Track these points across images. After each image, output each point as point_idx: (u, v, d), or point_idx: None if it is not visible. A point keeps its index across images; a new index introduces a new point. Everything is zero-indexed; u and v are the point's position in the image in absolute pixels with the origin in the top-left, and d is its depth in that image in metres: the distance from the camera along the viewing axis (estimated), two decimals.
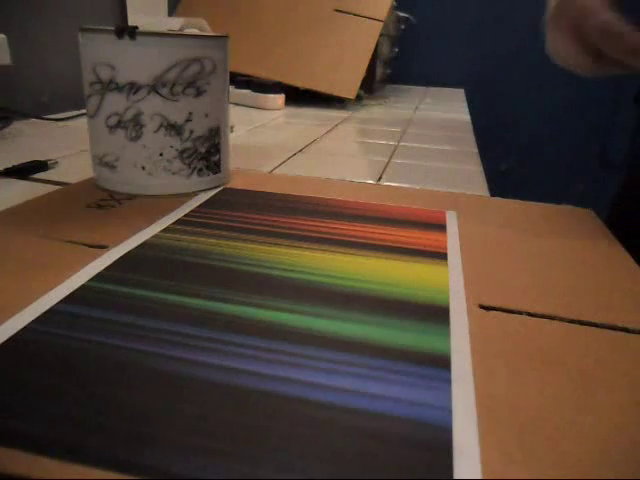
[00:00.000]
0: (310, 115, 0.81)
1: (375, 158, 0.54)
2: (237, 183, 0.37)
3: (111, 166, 0.32)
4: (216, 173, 0.35)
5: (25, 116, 0.61)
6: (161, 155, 0.32)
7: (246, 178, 0.38)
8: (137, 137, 0.31)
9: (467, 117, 0.90)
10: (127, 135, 0.31)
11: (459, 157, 0.58)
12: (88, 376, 0.16)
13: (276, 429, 0.14)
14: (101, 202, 0.31)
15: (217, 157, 0.34)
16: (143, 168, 0.32)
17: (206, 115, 0.32)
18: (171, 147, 0.32)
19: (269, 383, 0.16)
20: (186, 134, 0.32)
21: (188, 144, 0.32)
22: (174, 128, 0.31)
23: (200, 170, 0.33)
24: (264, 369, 0.16)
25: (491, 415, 0.15)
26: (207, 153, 0.33)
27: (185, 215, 0.30)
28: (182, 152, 0.32)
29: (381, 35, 0.92)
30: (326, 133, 0.65)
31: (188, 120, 0.32)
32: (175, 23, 0.82)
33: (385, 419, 0.15)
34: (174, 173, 0.32)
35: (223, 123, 0.34)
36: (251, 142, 0.59)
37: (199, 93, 0.32)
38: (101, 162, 0.33)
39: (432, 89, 1.38)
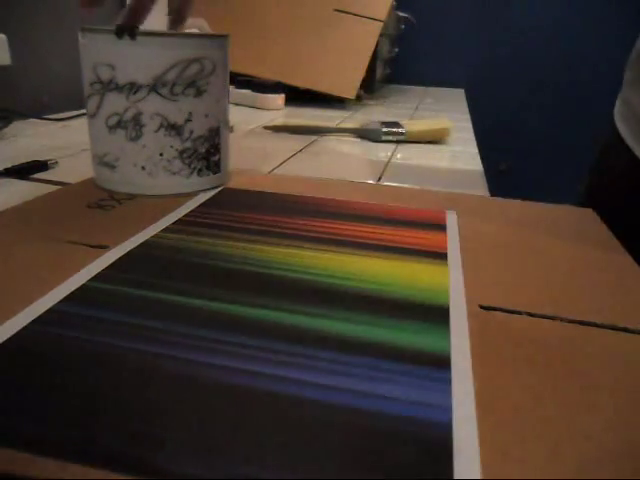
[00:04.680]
0: (310, 115, 0.81)
1: (375, 158, 0.54)
2: (237, 183, 0.37)
3: (111, 166, 0.32)
4: (216, 173, 0.35)
5: (25, 116, 0.61)
6: (161, 155, 0.32)
7: (246, 178, 0.38)
8: (137, 137, 0.31)
9: (467, 117, 0.90)
10: (127, 135, 0.31)
11: (459, 157, 0.58)
12: (88, 376, 0.16)
13: (276, 429, 0.14)
14: (101, 202, 0.31)
15: (217, 157, 0.34)
16: (143, 168, 0.32)
17: (206, 115, 0.32)
18: (171, 147, 0.32)
19: (269, 383, 0.16)
20: (186, 134, 0.32)
21: (188, 144, 0.32)
22: (174, 128, 0.31)
23: (200, 170, 0.33)
24: (264, 369, 0.16)
25: (491, 415, 0.15)
26: (207, 153, 0.33)
27: (185, 215, 0.30)
28: (182, 152, 0.32)
29: (381, 35, 0.92)
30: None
31: (188, 120, 0.32)
32: None
33: (385, 419, 0.15)
34: (174, 173, 0.32)
35: (223, 123, 0.34)
36: (251, 142, 0.59)
37: (199, 93, 0.32)
38: (101, 162, 0.33)
39: (432, 89, 1.38)
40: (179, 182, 0.33)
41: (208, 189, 0.34)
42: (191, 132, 0.32)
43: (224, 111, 0.34)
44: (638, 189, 0.45)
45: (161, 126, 0.31)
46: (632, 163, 0.46)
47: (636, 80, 0.46)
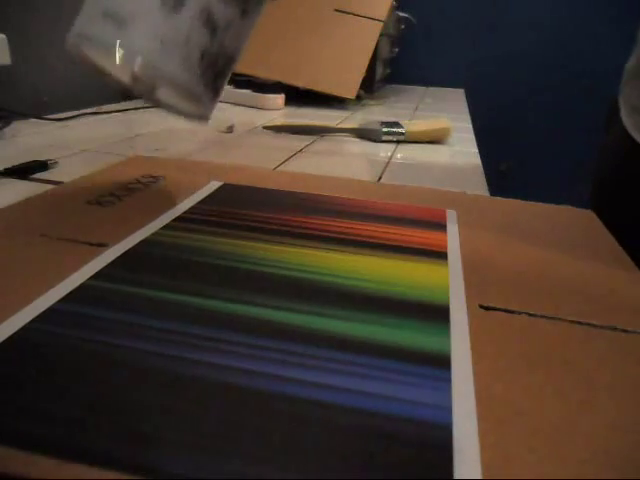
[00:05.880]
0: (310, 115, 0.81)
1: (375, 158, 0.54)
2: (237, 180, 0.37)
3: (121, 21, 0.26)
4: (212, 98, 0.31)
5: (25, 116, 0.61)
6: (186, 40, 0.27)
7: (246, 175, 0.38)
8: (174, 9, 0.26)
9: (467, 117, 0.90)
10: (164, 1, 0.26)
11: (459, 157, 0.58)
12: (88, 375, 0.16)
13: (276, 429, 0.14)
14: (100, 199, 0.31)
15: (221, 83, 0.31)
16: (162, 43, 0.26)
17: (238, 38, 0.30)
18: (199, 39, 0.28)
19: (269, 382, 0.16)
20: (217, 39, 0.28)
21: (214, 49, 0.28)
22: (212, 26, 0.28)
23: (207, 82, 0.29)
24: (264, 368, 0.16)
25: (491, 415, 0.15)
26: (220, 73, 0.30)
27: (185, 212, 0.30)
28: (204, 52, 0.28)
29: (381, 35, 0.92)
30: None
31: (226, 30, 0.28)
32: None
33: (385, 419, 0.15)
34: (187, 66, 0.27)
35: (237, 62, 0.32)
36: (251, 142, 0.59)
37: (244, 14, 0.29)
38: (107, 13, 0.26)
39: (432, 89, 1.37)
40: (187, 77, 0.28)
41: (195, 113, 0.30)
42: (222, 42, 0.29)
43: (243, 51, 0.32)
44: None
45: (201, 15, 0.27)
46: None
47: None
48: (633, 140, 0.48)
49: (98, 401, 0.15)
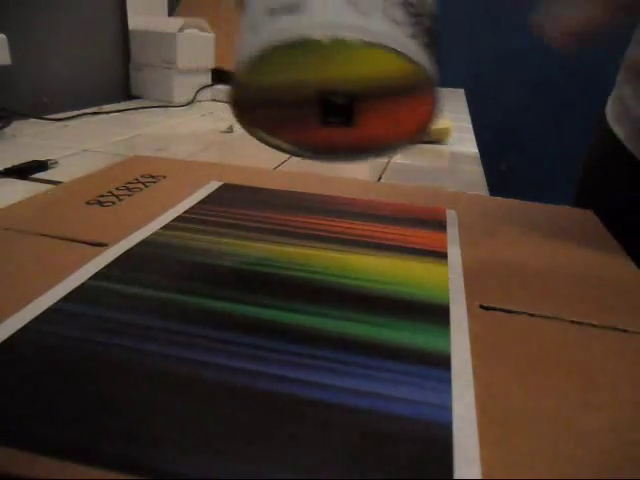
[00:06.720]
0: None
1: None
2: (237, 180, 0.37)
3: (295, 6, 0.21)
4: (434, 62, 0.24)
5: (25, 116, 0.61)
6: None
7: (246, 175, 0.38)
8: None
9: (467, 117, 0.90)
10: None
11: (459, 157, 0.58)
12: (87, 375, 0.16)
13: (276, 429, 0.14)
14: (100, 199, 0.31)
15: (435, 49, 0.24)
16: (355, 5, 0.21)
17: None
18: None
19: (269, 382, 0.16)
20: None
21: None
22: None
23: (425, 44, 0.23)
24: (264, 368, 0.16)
25: (491, 415, 0.15)
26: (429, 31, 0.24)
27: (185, 212, 0.29)
28: (404, 2, 0.22)
29: None
30: None
31: None
32: (175, 23, 0.82)
33: (385, 419, 0.15)
34: (397, 23, 0.22)
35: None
36: (251, 142, 0.59)
37: None
38: (282, 8, 0.21)
39: None
40: (401, 36, 0.22)
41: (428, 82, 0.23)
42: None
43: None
44: (637, 189, 0.45)
45: None
46: (628, 162, 0.45)
47: (627, 80, 0.46)
48: (614, 136, 0.48)
49: (99, 401, 0.15)
